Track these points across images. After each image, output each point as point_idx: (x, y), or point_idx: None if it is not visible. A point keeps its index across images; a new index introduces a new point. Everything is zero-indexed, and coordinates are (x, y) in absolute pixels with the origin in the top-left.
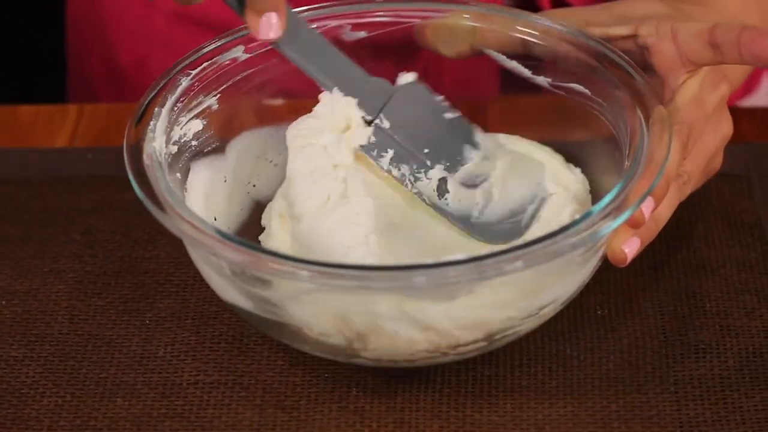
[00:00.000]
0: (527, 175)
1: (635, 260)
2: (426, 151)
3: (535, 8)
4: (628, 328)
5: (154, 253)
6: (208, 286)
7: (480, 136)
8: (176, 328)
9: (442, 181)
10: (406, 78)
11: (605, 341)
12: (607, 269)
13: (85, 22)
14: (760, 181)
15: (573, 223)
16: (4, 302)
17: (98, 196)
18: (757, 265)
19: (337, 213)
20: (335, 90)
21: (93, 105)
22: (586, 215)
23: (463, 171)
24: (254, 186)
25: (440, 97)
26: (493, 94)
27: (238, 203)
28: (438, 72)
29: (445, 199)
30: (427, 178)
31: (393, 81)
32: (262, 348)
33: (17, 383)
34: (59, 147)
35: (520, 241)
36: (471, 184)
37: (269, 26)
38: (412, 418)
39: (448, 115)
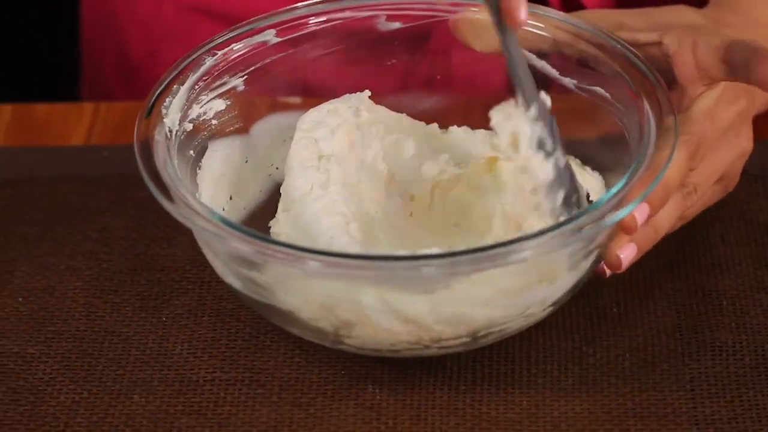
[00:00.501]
0: None
1: (650, 258)
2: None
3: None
4: (644, 326)
5: (170, 251)
6: (224, 284)
7: None
8: (193, 325)
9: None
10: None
11: (621, 339)
12: None
13: (98, 15)
14: None
15: (556, 226)
16: (20, 299)
17: (114, 193)
18: None
19: (319, 203)
20: (531, 109)
21: (108, 103)
22: (571, 218)
23: None
24: (277, 168)
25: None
26: (501, 92)
27: (258, 184)
28: (447, 67)
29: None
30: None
31: (401, 75)
32: (279, 345)
33: (34, 380)
34: (75, 145)
35: (499, 239)
36: None
37: (524, 12)
38: (429, 415)
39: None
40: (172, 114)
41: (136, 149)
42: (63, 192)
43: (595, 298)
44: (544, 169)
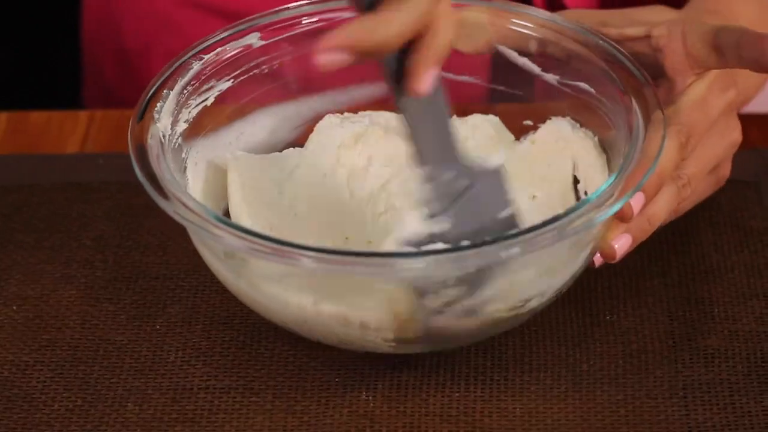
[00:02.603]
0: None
1: (644, 265)
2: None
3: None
4: (637, 334)
5: (165, 259)
6: (218, 292)
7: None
8: (187, 333)
9: None
10: (493, 159)
11: (614, 346)
12: (615, 275)
13: (99, 11)
14: None
15: (558, 217)
16: (15, 307)
17: (109, 201)
18: (765, 271)
19: None
20: (424, 169)
21: (104, 111)
22: (571, 210)
23: None
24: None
25: (507, 189)
26: (481, 96)
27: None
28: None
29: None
30: None
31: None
32: (273, 353)
33: (29, 388)
34: (70, 153)
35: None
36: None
37: (428, 81)
38: (422, 423)
39: (503, 214)
40: (163, 119)
41: (131, 152)
42: (59, 200)
43: (588, 306)
44: (413, 225)
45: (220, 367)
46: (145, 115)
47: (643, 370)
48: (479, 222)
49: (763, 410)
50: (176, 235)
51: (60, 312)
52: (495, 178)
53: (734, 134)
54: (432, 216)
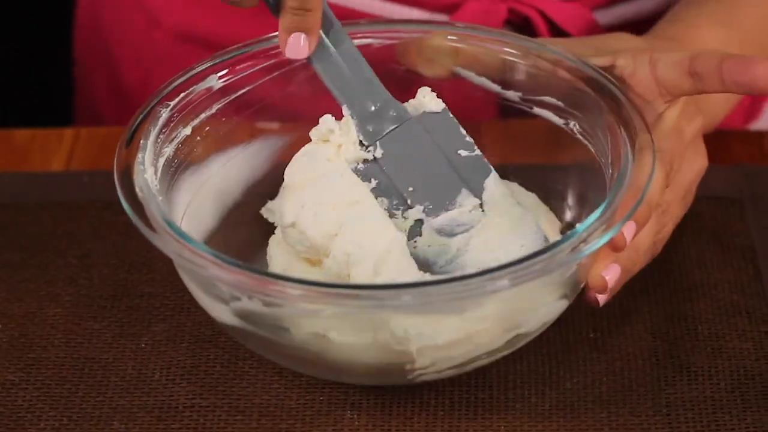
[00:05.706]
0: (521, 237)
1: (627, 283)
2: (410, 189)
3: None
4: (620, 351)
5: (150, 277)
6: (203, 310)
7: (492, 181)
8: (172, 351)
9: (418, 222)
10: (433, 105)
11: (598, 364)
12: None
13: (92, 42)
14: (752, 204)
15: (555, 244)
16: (1, 326)
17: (94, 220)
18: (748, 287)
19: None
20: (344, 108)
21: (89, 129)
22: (568, 236)
23: (445, 217)
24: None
25: (463, 132)
26: (489, 118)
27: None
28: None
29: (415, 241)
30: (404, 217)
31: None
32: (258, 371)
33: (14, 407)
34: (55, 171)
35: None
36: (448, 233)
37: (297, 46)
38: None
39: (463, 153)
40: (148, 169)
41: (125, 204)
42: (45, 218)
43: (572, 324)
44: (357, 154)
45: (205, 386)
46: (129, 160)
47: (626, 387)
48: (432, 155)
49: (746, 427)
50: (161, 254)
51: (45, 331)
52: (441, 119)
53: (701, 161)
54: (367, 145)
